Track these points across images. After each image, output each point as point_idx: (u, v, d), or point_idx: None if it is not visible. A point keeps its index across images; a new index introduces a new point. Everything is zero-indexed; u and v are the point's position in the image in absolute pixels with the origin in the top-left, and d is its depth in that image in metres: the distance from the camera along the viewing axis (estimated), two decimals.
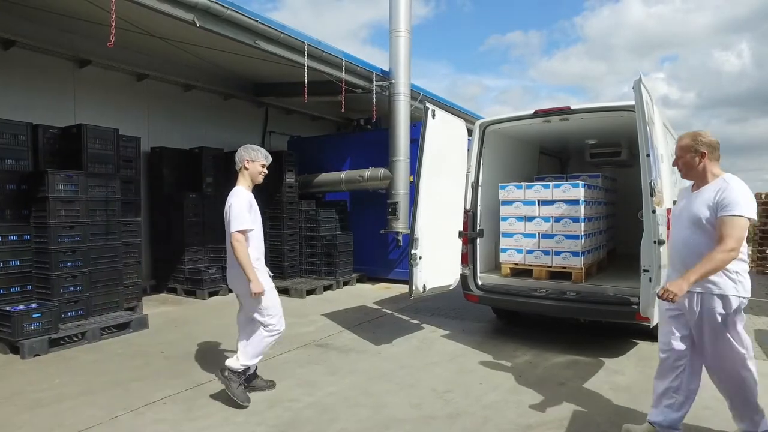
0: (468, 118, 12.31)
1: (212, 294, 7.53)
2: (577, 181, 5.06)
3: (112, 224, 5.79)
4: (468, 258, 5.19)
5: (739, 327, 2.68)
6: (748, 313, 6.37)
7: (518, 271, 5.37)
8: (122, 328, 5.42)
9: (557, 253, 5.02)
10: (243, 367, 3.50)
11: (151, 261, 8.10)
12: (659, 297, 2.58)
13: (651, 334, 4.94)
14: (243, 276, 3.35)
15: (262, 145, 10.56)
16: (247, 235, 3.38)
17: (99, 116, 6.76)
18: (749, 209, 2.57)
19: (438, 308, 6.71)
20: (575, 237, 4.92)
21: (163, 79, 8.17)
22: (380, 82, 8.30)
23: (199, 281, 7.46)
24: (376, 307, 6.89)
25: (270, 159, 3.65)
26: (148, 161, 8.00)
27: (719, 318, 2.65)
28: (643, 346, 4.79)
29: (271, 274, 3.73)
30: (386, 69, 8.45)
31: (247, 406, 3.41)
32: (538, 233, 5.14)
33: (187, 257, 7.68)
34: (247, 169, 3.51)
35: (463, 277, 5.22)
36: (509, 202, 5.35)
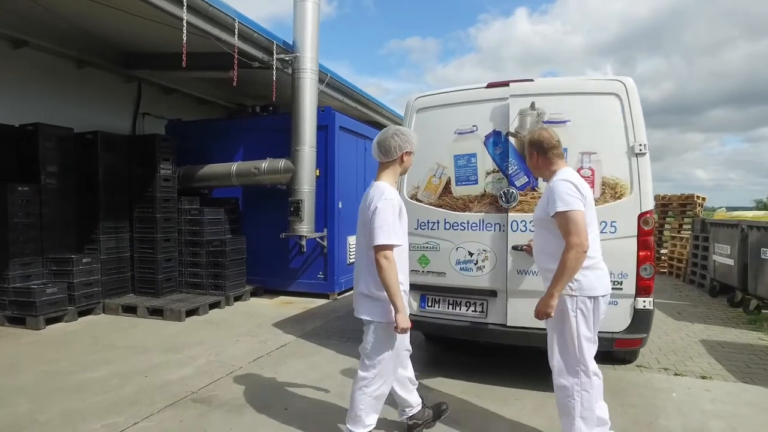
0: (377, 108, 11.33)
1: (52, 321, 5.61)
2: None
3: None
4: None
5: (572, 331, 2.57)
6: (681, 320, 6.06)
7: None
8: None
9: None
10: None
11: None
12: (535, 317, 2.62)
13: (612, 357, 4.26)
14: (376, 302, 2.61)
15: (133, 131, 8.65)
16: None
17: None
18: (568, 202, 2.49)
19: (354, 330, 5.51)
20: None
21: None
22: (282, 55, 6.90)
23: (31, 305, 5.48)
24: (277, 330, 5.51)
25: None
26: None
27: (555, 316, 2.59)
28: (612, 375, 4.03)
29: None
30: (290, 42, 7.08)
31: None
32: None
33: (15, 272, 5.65)
34: (402, 161, 2.75)
35: None
36: None
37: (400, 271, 2.61)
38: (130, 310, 6.15)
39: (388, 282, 2.49)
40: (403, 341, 2.73)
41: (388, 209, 2.53)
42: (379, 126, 10.41)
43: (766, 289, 6.08)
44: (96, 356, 4.49)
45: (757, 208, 23.29)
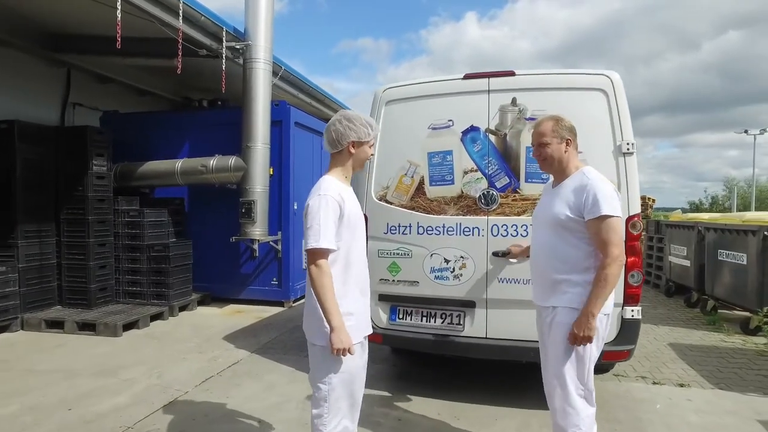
0: (333, 105, 10.87)
1: None
2: None
3: None
4: None
5: (586, 353, 2.28)
6: (646, 323, 6.02)
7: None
8: None
9: None
10: None
11: None
12: (573, 343, 2.26)
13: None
14: (316, 320, 2.15)
15: (62, 122, 7.76)
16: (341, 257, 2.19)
17: None
18: (615, 206, 2.23)
19: None
20: None
21: None
22: (232, 43, 6.34)
23: None
24: (228, 344, 4.99)
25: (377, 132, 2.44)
26: None
27: (566, 334, 2.27)
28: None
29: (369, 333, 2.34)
30: (241, 30, 6.53)
31: None
32: None
33: None
34: (351, 153, 2.27)
35: None
36: None
37: (350, 283, 2.19)
38: (55, 325, 5.41)
39: (319, 295, 2.07)
40: (356, 364, 2.21)
41: (322, 206, 2.09)
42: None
43: (723, 290, 6.16)
44: (7, 385, 3.81)
45: (698, 210, 24.64)
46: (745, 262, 5.65)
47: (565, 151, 2.38)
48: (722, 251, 6.14)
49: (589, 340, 2.22)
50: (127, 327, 5.41)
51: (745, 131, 28.10)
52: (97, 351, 4.72)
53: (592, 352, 2.29)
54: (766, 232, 5.34)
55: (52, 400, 3.52)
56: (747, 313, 5.81)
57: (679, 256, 7.34)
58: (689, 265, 6.97)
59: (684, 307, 6.97)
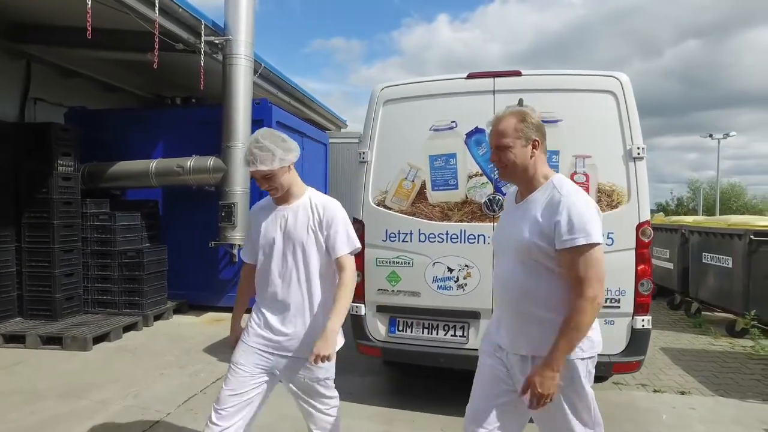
0: (313, 106, 10.61)
1: None
2: None
3: None
4: (364, 289, 3.47)
5: (587, 400, 1.86)
6: None
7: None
8: None
9: None
10: None
11: None
12: (534, 407, 1.77)
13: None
14: None
15: (21, 118, 7.22)
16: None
17: None
18: (595, 231, 1.73)
19: None
20: None
21: None
22: (211, 37, 6.01)
23: None
24: (210, 357, 4.69)
25: (253, 165, 2.16)
26: None
27: (561, 389, 1.80)
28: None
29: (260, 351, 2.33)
30: (220, 24, 6.21)
31: None
32: None
33: None
34: None
35: (356, 319, 3.49)
36: None
37: (260, 297, 2.36)
38: (15, 339, 4.96)
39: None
40: (233, 359, 2.35)
41: None
42: (315, 125, 9.71)
43: (707, 292, 6.22)
44: None
45: (665, 210, 25.34)
46: (730, 266, 5.70)
47: (531, 156, 1.86)
48: (707, 254, 6.19)
49: (551, 399, 1.74)
50: (98, 340, 5.03)
51: (710, 135, 29.05)
52: (64, 368, 4.34)
53: (591, 394, 1.88)
54: (752, 236, 5.40)
55: (11, 427, 3.16)
56: (730, 316, 5.87)
57: (661, 259, 7.40)
58: (672, 267, 7.03)
59: (667, 310, 7.02)
